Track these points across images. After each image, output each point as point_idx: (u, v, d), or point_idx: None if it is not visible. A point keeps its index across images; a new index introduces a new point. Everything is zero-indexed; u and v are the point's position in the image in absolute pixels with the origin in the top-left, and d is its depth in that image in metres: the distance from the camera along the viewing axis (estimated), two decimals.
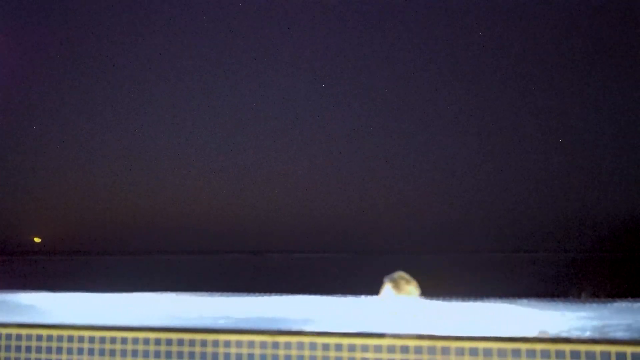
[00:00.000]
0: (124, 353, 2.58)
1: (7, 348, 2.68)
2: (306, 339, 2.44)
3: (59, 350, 2.63)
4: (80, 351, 2.62)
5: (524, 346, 2.25)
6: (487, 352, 2.27)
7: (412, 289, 3.73)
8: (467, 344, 2.29)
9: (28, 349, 2.65)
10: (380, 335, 2.39)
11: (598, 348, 2.19)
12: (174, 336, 2.55)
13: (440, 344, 2.31)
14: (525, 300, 3.84)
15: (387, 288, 3.75)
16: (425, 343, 2.33)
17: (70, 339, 2.63)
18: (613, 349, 2.18)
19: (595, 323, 2.92)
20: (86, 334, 2.63)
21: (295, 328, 2.56)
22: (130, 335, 2.59)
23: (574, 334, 2.49)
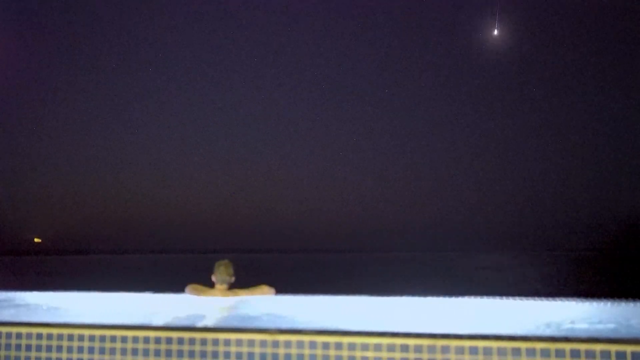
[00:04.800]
0: (124, 351, 2.58)
1: (7, 347, 2.68)
2: (306, 338, 2.44)
3: (59, 348, 2.63)
4: (80, 350, 2.62)
5: (523, 345, 2.25)
6: (487, 351, 2.27)
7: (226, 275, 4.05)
8: (467, 343, 2.29)
9: (28, 348, 2.66)
10: (381, 334, 2.39)
11: (598, 347, 2.19)
12: (174, 335, 2.56)
13: (440, 342, 2.31)
14: (525, 300, 3.84)
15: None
16: (425, 342, 2.33)
17: (71, 337, 2.64)
18: (613, 348, 2.18)
19: (596, 322, 2.92)
20: (86, 332, 2.63)
21: (295, 327, 2.56)
22: (130, 334, 2.59)
23: (574, 333, 2.49)
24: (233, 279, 4.09)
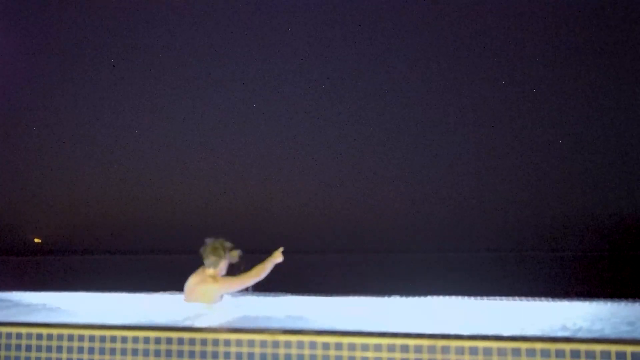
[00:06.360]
0: (124, 352, 2.58)
1: (7, 347, 2.68)
2: (306, 338, 2.44)
3: (59, 349, 2.63)
4: (80, 350, 2.62)
5: (523, 345, 2.25)
6: (487, 351, 2.27)
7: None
8: (467, 343, 2.29)
9: (28, 348, 2.66)
10: (381, 334, 2.39)
11: (598, 347, 2.19)
12: (174, 335, 2.55)
13: (440, 343, 2.31)
14: (526, 300, 3.83)
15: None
16: (425, 342, 2.33)
17: (71, 337, 2.63)
18: (613, 348, 2.18)
19: (596, 322, 2.92)
20: (86, 332, 2.63)
21: (295, 327, 2.56)
22: (130, 334, 2.59)
23: (574, 333, 2.49)
24: (222, 261, 3.78)
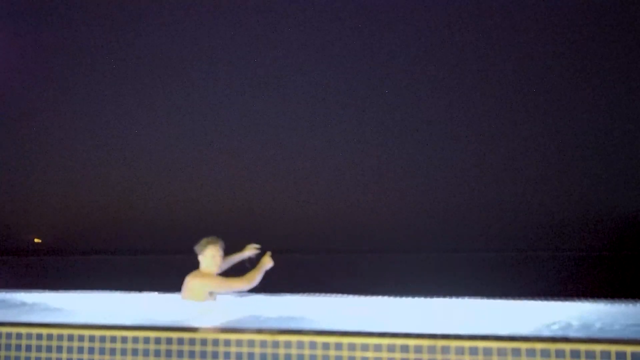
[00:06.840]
0: (124, 352, 2.58)
1: (7, 347, 2.68)
2: (306, 338, 2.44)
3: (59, 349, 2.63)
4: (80, 350, 2.62)
5: (523, 345, 2.25)
6: (487, 351, 2.27)
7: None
8: (467, 343, 2.29)
9: (28, 348, 2.65)
10: (381, 334, 2.39)
11: (598, 347, 2.19)
12: (174, 335, 2.55)
13: (440, 343, 2.31)
14: (525, 300, 3.83)
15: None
16: (425, 342, 2.33)
17: (71, 337, 2.63)
18: (613, 348, 2.18)
19: (596, 322, 2.92)
20: (86, 333, 2.63)
21: (295, 327, 2.56)
22: (130, 334, 2.59)
23: (574, 333, 2.49)
24: (205, 257, 3.81)
